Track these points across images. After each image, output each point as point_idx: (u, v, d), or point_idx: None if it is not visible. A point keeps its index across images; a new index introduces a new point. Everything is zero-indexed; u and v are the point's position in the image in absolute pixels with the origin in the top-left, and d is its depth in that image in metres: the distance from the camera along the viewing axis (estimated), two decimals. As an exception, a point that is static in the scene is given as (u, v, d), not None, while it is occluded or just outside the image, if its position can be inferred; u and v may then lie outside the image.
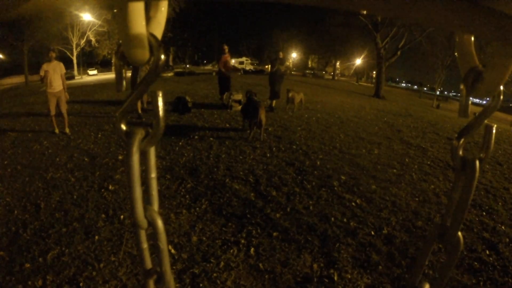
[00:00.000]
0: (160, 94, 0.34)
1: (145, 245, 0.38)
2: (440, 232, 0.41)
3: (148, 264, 0.39)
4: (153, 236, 0.37)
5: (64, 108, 5.50)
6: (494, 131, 0.39)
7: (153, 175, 0.36)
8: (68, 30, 27.24)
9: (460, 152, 0.40)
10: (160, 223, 0.36)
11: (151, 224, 0.36)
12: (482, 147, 0.40)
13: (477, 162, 0.38)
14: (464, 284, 2.22)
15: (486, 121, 0.39)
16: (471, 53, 0.37)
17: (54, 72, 5.28)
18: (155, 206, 0.37)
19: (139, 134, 0.34)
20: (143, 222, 0.35)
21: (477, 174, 0.38)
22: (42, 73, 5.23)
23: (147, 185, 0.36)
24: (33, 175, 3.71)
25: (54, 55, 5.37)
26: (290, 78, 28.06)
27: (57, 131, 5.49)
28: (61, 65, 5.42)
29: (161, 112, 0.34)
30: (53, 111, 5.40)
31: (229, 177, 3.81)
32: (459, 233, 0.40)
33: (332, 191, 3.58)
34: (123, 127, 0.35)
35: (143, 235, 0.37)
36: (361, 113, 10.10)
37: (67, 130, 5.54)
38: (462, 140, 0.40)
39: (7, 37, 23.16)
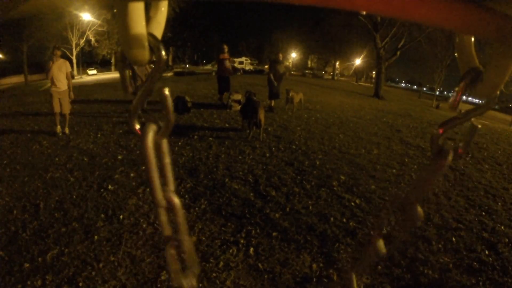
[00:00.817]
0: (167, 89, 0.36)
1: (164, 218, 0.43)
2: (401, 204, 0.46)
3: (168, 231, 0.44)
4: (172, 213, 0.42)
5: (67, 109, 5.39)
6: (477, 130, 0.40)
7: (167, 160, 0.41)
8: (68, 30, 27.23)
9: (440, 141, 0.41)
10: (176, 200, 0.42)
11: (169, 202, 0.41)
12: (464, 142, 0.41)
13: (451, 153, 0.40)
14: (463, 284, 2.23)
15: (473, 119, 0.40)
16: (471, 53, 0.37)
17: (59, 70, 5.16)
18: (171, 186, 0.42)
19: (152, 128, 0.38)
20: (161, 201, 0.40)
21: (448, 162, 0.41)
22: (49, 68, 5.12)
23: (162, 169, 0.41)
24: (32, 175, 3.70)
25: (59, 53, 5.24)
26: (290, 78, 28.06)
27: (59, 130, 5.35)
28: (67, 63, 5.30)
29: (170, 106, 0.37)
30: (57, 108, 5.27)
31: (229, 177, 3.81)
32: (419, 207, 0.44)
33: (331, 191, 3.58)
34: (137, 124, 0.39)
35: (162, 210, 0.42)
36: (360, 113, 10.10)
37: (66, 130, 5.49)
38: (442, 130, 0.41)
39: (7, 36, 23.12)
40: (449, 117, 0.42)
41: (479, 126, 0.40)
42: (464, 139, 0.41)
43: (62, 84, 5.22)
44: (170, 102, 0.37)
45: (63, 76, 5.22)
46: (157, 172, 0.38)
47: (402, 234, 0.47)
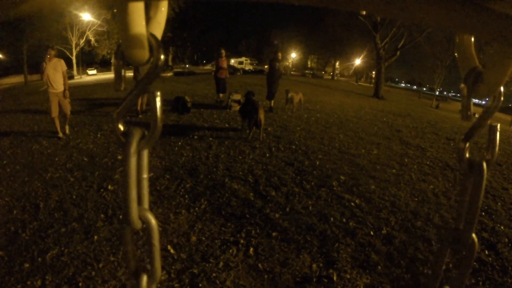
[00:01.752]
0: (159, 95, 0.33)
1: (132, 246, 0.38)
2: (454, 237, 0.41)
3: (135, 263, 0.39)
4: (146, 235, 0.37)
5: (67, 109, 5.26)
6: (498, 131, 0.39)
7: (145, 175, 0.36)
8: (68, 30, 27.22)
9: (467, 155, 0.39)
10: (154, 222, 0.37)
11: (145, 223, 0.37)
12: (488, 148, 0.39)
13: (484, 164, 0.38)
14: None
15: (488, 122, 0.39)
16: (471, 53, 0.37)
17: (55, 70, 4.97)
18: (146, 205, 0.37)
19: (137, 134, 0.34)
20: (137, 222, 0.36)
21: (485, 175, 0.38)
22: (43, 69, 4.99)
23: (139, 185, 0.36)
24: (32, 175, 3.70)
25: (53, 53, 5.04)
26: (290, 78, 28.06)
27: (61, 135, 5.21)
28: (62, 62, 5.10)
29: (158, 113, 0.33)
30: (55, 113, 5.11)
31: (228, 177, 3.81)
32: (473, 235, 0.40)
33: (331, 191, 3.58)
34: (121, 127, 0.35)
35: (131, 236, 0.38)
36: (360, 113, 10.10)
37: (66, 129, 5.44)
38: (468, 143, 0.40)
39: (7, 36, 23.10)
40: (468, 128, 0.40)
41: (498, 124, 0.39)
42: (488, 144, 0.39)
43: (59, 84, 5.04)
44: (159, 108, 0.33)
45: (59, 76, 5.03)
46: (136, 186, 0.34)
47: (464, 271, 0.42)
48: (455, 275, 0.43)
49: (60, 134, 5.23)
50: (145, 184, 0.37)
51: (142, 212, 0.36)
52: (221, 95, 9.05)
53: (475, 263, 2.46)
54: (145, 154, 0.36)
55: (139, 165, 0.36)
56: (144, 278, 0.39)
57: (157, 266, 0.39)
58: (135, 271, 0.39)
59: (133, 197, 0.34)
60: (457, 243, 0.41)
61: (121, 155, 0.34)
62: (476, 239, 0.40)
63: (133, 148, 0.33)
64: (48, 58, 4.99)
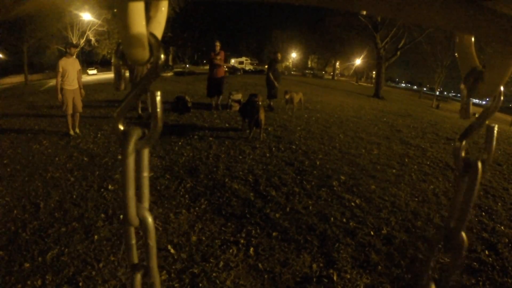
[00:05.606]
0: (159, 94, 0.33)
1: (133, 241, 0.39)
2: (444, 234, 0.41)
3: (135, 259, 0.40)
4: (143, 233, 0.38)
5: (80, 107, 5.32)
6: (495, 131, 0.39)
7: (146, 174, 0.37)
8: (68, 30, 27.19)
9: (462, 154, 0.39)
10: (150, 220, 0.38)
11: (142, 221, 0.37)
12: (484, 148, 0.39)
13: (480, 164, 0.38)
14: (463, 284, 2.23)
15: (487, 122, 0.39)
16: (471, 53, 0.37)
17: (73, 68, 5.10)
18: (146, 204, 0.38)
19: (136, 134, 0.34)
20: (135, 220, 0.36)
21: (480, 175, 0.38)
22: (60, 69, 5.02)
23: (139, 183, 0.37)
24: (32, 175, 3.70)
25: (74, 50, 5.19)
26: (290, 78, 28.06)
27: (72, 132, 5.25)
28: (77, 61, 5.27)
29: (159, 112, 0.33)
30: (71, 109, 5.17)
31: (229, 177, 3.81)
32: (463, 234, 0.40)
33: (331, 191, 3.58)
34: (121, 126, 0.35)
35: (132, 231, 0.39)
36: (360, 113, 10.10)
37: (77, 130, 5.43)
38: (464, 142, 0.40)
39: (7, 36, 23.10)
40: (465, 127, 0.40)
41: (496, 125, 0.39)
42: (484, 144, 0.39)
43: (75, 82, 5.16)
44: (159, 107, 0.33)
45: (75, 74, 5.16)
46: (134, 185, 0.35)
47: (452, 269, 0.43)
48: (443, 274, 0.43)
49: (71, 132, 5.27)
50: (146, 183, 0.37)
51: (141, 210, 0.37)
52: (221, 97, 7.90)
53: (475, 263, 2.46)
54: (146, 153, 0.36)
55: (140, 164, 0.36)
56: (139, 276, 0.40)
57: (153, 264, 0.40)
58: (133, 266, 0.40)
59: (131, 195, 0.35)
60: (446, 241, 0.41)
61: (121, 154, 0.34)
62: (465, 238, 0.40)
63: (131, 146, 0.34)
64: (68, 55, 5.12)
